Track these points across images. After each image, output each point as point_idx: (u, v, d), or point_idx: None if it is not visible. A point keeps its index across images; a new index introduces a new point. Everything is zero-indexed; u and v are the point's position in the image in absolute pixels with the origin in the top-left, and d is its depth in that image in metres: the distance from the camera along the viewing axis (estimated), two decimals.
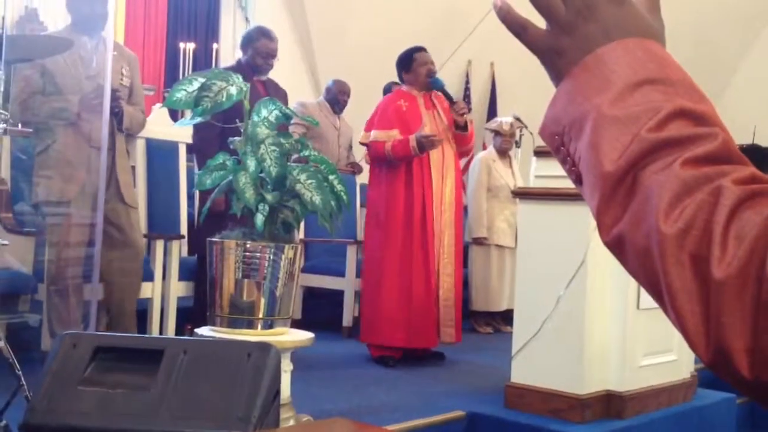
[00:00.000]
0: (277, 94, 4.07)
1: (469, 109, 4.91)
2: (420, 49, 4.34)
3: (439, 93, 4.31)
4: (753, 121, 9.16)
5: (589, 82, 0.60)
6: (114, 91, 3.37)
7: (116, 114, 3.43)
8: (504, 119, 5.85)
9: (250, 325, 2.50)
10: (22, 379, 2.34)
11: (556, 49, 0.64)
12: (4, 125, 2.39)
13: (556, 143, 0.62)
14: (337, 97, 5.82)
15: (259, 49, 4.09)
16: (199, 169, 4.22)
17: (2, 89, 2.36)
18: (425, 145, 4.04)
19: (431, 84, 4.26)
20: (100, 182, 2.84)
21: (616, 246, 0.57)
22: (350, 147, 5.91)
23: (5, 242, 2.45)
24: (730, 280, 0.50)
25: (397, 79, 4.72)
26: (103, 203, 3.27)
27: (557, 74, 0.64)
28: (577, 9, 0.63)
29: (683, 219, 0.52)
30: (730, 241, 0.51)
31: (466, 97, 8.62)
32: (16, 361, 2.37)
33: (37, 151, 3.31)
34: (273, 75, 4.34)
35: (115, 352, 2.08)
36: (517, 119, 6.03)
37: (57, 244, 3.27)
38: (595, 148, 0.57)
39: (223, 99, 2.56)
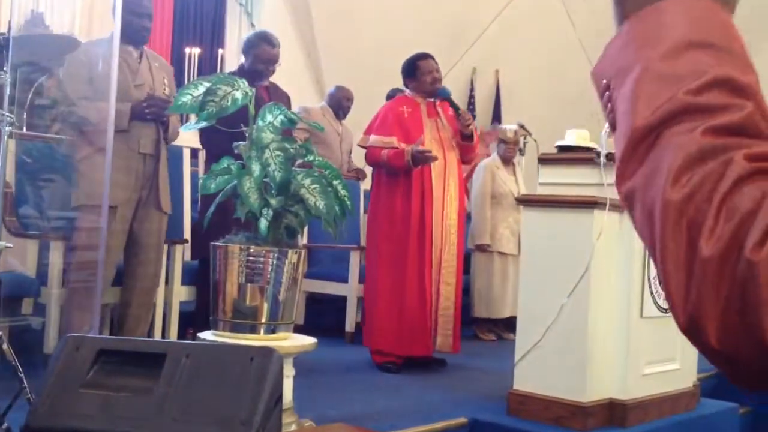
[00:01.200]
0: (280, 97, 4.08)
1: (474, 117, 4.92)
2: (425, 57, 4.33)
3: (445, 101, 4.32)
4: None
5: (645, 33, 0.60)
6: (164, 101, 3.48)
7: (163, 123, 3.52)
8: (508, 127, 5.85)
9: (253, 329, 2.49)
10: (25, 381, 2.34)
11: None
12: (10, 128, 2.39)
13: (602, 87, 0.63)
14: (340, 103, 5.83)
15: (260, 54, 4.10)
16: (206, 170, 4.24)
17: (8, 92, 2.37)
18: (420, 160, 4.04)
19: (438, 94, 4.27)
20: (104, 188, 2.84)
21: (627, 199, 0.59)
22: (350, 153, 5.92)
23: (9, 245, 2.45)
24: (714, 258, 0.51)
25: (400, 86, 4.72)
26: (146, 208, 3.34)
27: (619, 16, 0.64)
28: None
29: (689, 185, 0.53)
30: (723, 213, 0.52)
31: (471, 104, 8.62)
32: (18, 364, 2.37)
33: (80, 157, 3.36)
34: (277, 80, 4.35)
35: (118, 356, 2.08)
36: (522, 127, 6.03)
37: (88, 248, 3.29)
38: (633, 100, 0.58)
39: (228, 103, 2.56)
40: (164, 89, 3.60)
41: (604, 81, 0.63)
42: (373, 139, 4.18)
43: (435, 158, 4.11)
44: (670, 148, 0.55)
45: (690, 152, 0.54)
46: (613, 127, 0.62)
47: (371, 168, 4.39)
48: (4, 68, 2.39)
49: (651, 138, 0.56)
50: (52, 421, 1.94)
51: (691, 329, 0.54)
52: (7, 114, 2.37)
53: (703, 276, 0.52)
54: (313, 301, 5.27)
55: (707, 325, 0.52)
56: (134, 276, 3.53)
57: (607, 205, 3.04)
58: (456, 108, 4.29)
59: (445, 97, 4.28)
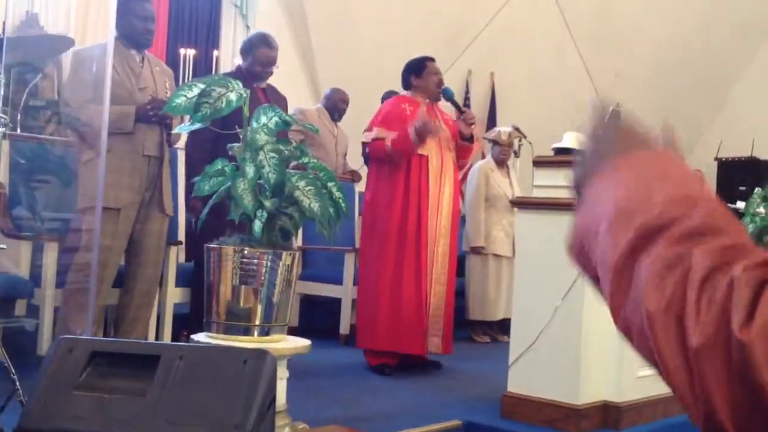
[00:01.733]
0: (277, 100, 4.08)
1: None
2: (431, 59, 4.37)
3: (447, 102, 4.33)
4: (752, 134, 9.19)
5: (606, 187, 0.67)
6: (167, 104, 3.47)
7: (167, 125, 3.54)
8: (503, 129, 5.86)
9: (247, 331, 2.49)
10: (17, 383, 2.33)
11: (584, 167, 0.73)
12: (4, 129, 2.39)
13: (579, 248, 0.69)
14: (336, 105, 5.83)
15: (258, 56, 4.10)
16: (188, 176, 4.24)
17: (2, 92, 2.36)
18: (423, 132, 4.03)
19: (442, 93, 4.29)
20: (98, 189, 2.83)
21: (625, 331, 0.62)
22: (345, 155, 5.92)
23: (2, 246, 2.45)
24: (704, 347, 0.52)
25: (395, 88, 4.73)
26: (149, 210, 3.34)
27: (577, 186, 0.73)
28: (602, 135, 0.73)
29: (665, 294, 0.56)
30: (703, 306, 0.53)
31: (466, 106, 8.62)
32: (11, 366, 2.36)
33: (85, 160, 3.37)
34: (273, 81, 4.35)
35: (111, 357, 2.08)
36: (516, 129, 6.04)
37: (90, 249, 3.28)
38: (607, 242, 0.63)
39: (223, 105, 2.56)
40: (166, 92, 3.61)
41: (582, 242, 0.68)
42: (377, 131, 4.18)
43: (438, 128, 4.12)
44: (643, 269, 0.59)
45: (658, 266, 0.58)
46: (596, 279, 0.66)
47: (368, 167, 4.38)
48: None
49: (628, 269, 0.60)
50: (45, 422, 1.93)
51: (709, 426, 0.54)
52: (0, 115, 2.36)
53: (701, 367, 0.53)
54: (308, 303, 5.27)
55: (722, 418, 0.52)
56: (134, 277, 3.53)
57: None
58: (459, 107, 4.32)
59: (449, 97, 4.30)
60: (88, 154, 3.39)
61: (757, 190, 4.94)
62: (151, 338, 3.82)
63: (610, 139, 0.72)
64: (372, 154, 4.24)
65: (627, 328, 0.61)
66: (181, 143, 4.37)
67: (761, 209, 4.79)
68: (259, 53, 4.11)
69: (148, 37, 3.61)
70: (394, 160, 4.11)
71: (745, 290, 0.52)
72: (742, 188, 8.60)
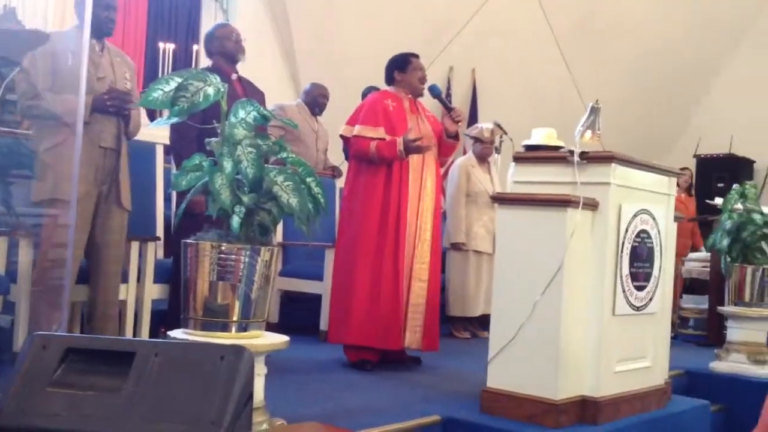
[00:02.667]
0: (255, 95, 4.05)
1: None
2: (415, 55, 4.37)
3: (434, 99, 4.33)
4: (730, 131, 9.27)
5: None
6: (125, 94, 3.46)
7: (125, 117, 3.50)
8: (484, 126, 5.87)
9: (224, 328, 2.47)
10: None
11: None
12: None
13: None
14: (316, 100, 5.81)
15: (222, 35, 4.11)
16: (177, 170, 4.21)
17: None
18: (412, 149, 4.04)
19: (430, 90, 4.28)
20: (72, 184, 2.80)
21: None
22: (326, 150, 5.90)
23: None
24: None
25: (376, 84, 4.71)
26: (107, 204, 3.30)
27: None
28: None
29: None
30: None
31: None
32: None
33: (42, 149, 3.31)
34: (254, 76, 4.33)
35: (86, 354, 2.05)
36: (498, 126, 6.04)
37: (50, 243, 3.25)
38: None
39: (200, 99, 2.53)
40: (126, 84, 3.57)
41: None
42: (360, 128, 4.15)
43: (428, 147, 4.12)
44: None
45: None
46: None
47: (350, 161, 4.36)
48: None
49: None
50: (19, 420, 1.91)
51: None
52: None
53: None
54: (289, 299, 5.25)
55: None
56: (97, 274, 3.49)
57: (581, 204, 3.05)
58: (446, 105, 4.32)
59: (436, 94, 4.29)
60: (47, 144, 3.34)
61: (735, 186, 4.98)
62: (129, 335, 3.79)
63: None
64: (353, 151, 4.22)
65: None
66: (156, 138, 4.34)
67: (738, 205, 4.84)
68: (221, 32, 4.13)
69: (110, 26, 3.55)
70: (374, 163, 4.10)
71: None
72: (720, 185, 8.69)
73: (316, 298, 4.90)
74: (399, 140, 4.05)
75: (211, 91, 2.56)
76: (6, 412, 1.93)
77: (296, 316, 5.17)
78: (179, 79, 2.55)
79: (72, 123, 3.18)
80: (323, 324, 4.81)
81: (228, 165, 2.52)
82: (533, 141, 3.43)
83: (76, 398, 1.97)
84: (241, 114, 2.63)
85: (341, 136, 4.33)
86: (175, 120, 2.58)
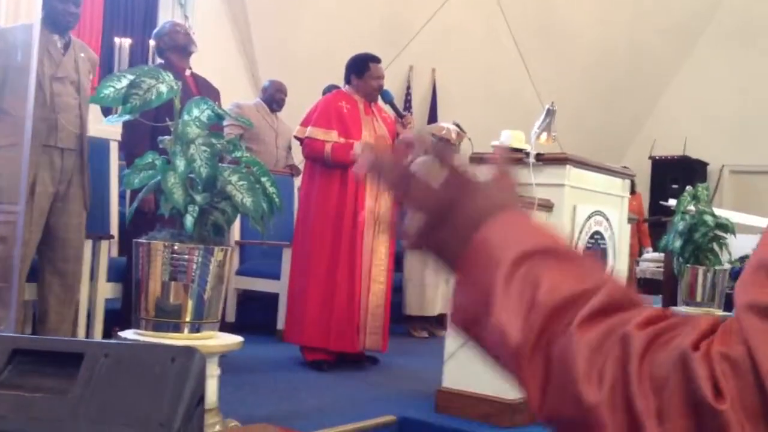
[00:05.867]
0: (209, 92, 4.02)
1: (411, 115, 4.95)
2: (376, 59, 4.32)
3: (388, 104, 4.34)
4: (684, 133, 9.44)
5: (478, 267, 0.60)
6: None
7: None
8: (450, 126, 5.89)
9: (177, 328, 2.44)
10: None
11: (439, 243, 0.65)
12: None
13: (465, 327, 0.63)
14: (273, 96, 5.78)
15: (171, 29, 4.09)
16: (128, 168, 4.15)
17: None
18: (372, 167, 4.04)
19: (382, 96, 4.28)
20: (21, 181, 2.75)
21: (549, 420, 0.56)
22: (289, 148, 5.87)
23: None
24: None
25: (336, 82, 4.70)
26: (64, 204, 3.23)
27: (448, 265, 0.65)
28: (443, 201, 0.64)
29: (605, 382, 0.51)
30: (649, 392, 0.49)
31: (408, 102, 8.66)
32: None
33: None
34: (212, 74, 4.29)
35: (34, 355, 2.00)
36: (457, 126, 6.08)
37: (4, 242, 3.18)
38: (499, 326, 0.57)
39: (153, 97, 2.51)
40: (88, 82, 3.52)
41: (467, 325, 0.62)
42: (312, 130, 4.14)
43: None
44: (563, 355, 0.53)
45: (582, 351, 0.52)
46: (495, 360, 0.61)
47: (305, 161, 4.35)
48: None
49: (540, 354, 0.55)
50: None
51: None
52: None
53: None
54: (246, 298, 5.21)
55: None
56: (54, 272, 3.43)
57: (536, 205, 3.08)
58: (398, 111, 4.32)
59: (388, 100, 4.30)
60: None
61: (688, 188, 5.08)
62: (82, 335, 3.73)
63: (479, 202, 0.64)
64: (306, 152, 4.21)
65: (552, 417, 0.55)
66: (110, 134, 4.27)
67: (691, 207, 4.92)
68: (169, 28, 4.11)
69: (70, 20, 3.47)
70: (329, 166, 4.09)
71: (703, 367, 0.48)
72: (675, 186, 8.84)
73: (274, 297, 4.87)
74: (357, 144, 4.04)
75: (164, 88, 2.53)
76: None
77: (253, 315, 5.14)
78: (131, 77, 2.52)
79: (22, 124, 3.11)
80: (280, 323, 4.78)
81: (181, 164, 2.50)
82: (502, 141, 3.45)
83: (23, 400, 1.93)
84: (195, 112, 2.61)
85: (295, 136, 4.31)
86: (127, 117, 2.54)
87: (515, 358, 0.57)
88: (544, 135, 3.32)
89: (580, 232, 3.22)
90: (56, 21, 3.38)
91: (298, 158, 5.98)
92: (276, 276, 4.86)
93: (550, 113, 3.33)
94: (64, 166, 3.41)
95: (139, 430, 1.89)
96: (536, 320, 0.55)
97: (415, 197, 0.65)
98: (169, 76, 2.55)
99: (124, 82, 2.49)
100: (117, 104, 2.51)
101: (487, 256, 0.60)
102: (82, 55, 3.55)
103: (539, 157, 3.17)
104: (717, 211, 4.94)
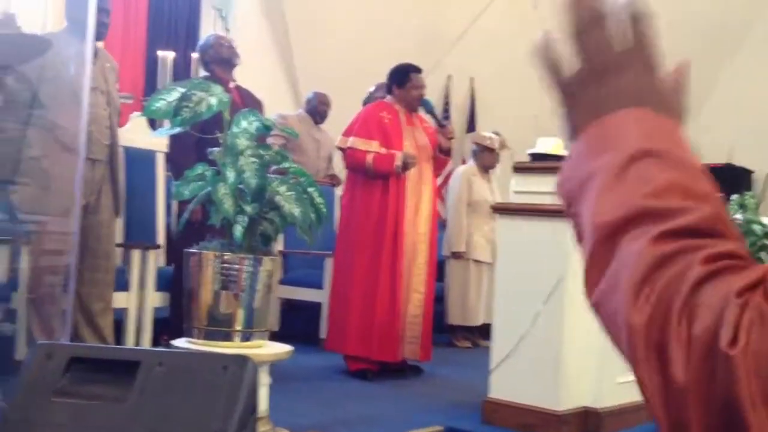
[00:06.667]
0: (253, 104, 4.06)
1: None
2: (417, 69, 4.34)
3: (429, 113, 4.35)
4: (728, 142, 9.29)
5: (598, 145, 0.60)
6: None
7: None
8: (493, 135, 5.89)
9: (228, 337, 2.47)
10: None
11: (578, 98, 0.64)
12: None
13: (567, 199, 0.63)
14: (317, 108, 5.82)
15: (215, 42, 4.13)
16: (175, 180, 4.21)
17: None
18: (409, 165, 4.06)
19: (422, 105, 4.30)
20: (75, 191, 2.80)
21: (594, 307, 0.57)
22: (330, 159, 5.90)
23: None
24: (691, 384, 0.49)
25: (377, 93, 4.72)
26: (95, 214, 3.27)
27: (570, 129, 0.65)
28: (611, 63, 0.62)
29: (650, 304, 0.51)
30: (684, 327, 0.49)
31: (446, 112, 8.65)
32: None
33: (29, 156, 3.28)
34: (252, 85, 4.34)
35: (90, 363, 2.05)
36: (497, 135, 6.08)
37: (37, 252, 3.23)
38: (593, 207, 0.58)
39: (203, 109, 2.54)
40: (116, 92, 3.56)
41: (569, 195, 0.62)
42: (354, 141, 4.17)
43: (416, 164, 4.15)
44: (628, 255, 0.54)
45: (647, 263, 0.52)
46: (579, 239, 0.61)
47: (347, 171, 4.38)
48: None
49: (610, 243, 0.55)
50: (24, 428, 1.90)
51: None
52: None
53: (684, 406, 0.49)
54: (289, 307, 5.25)
55: None
56: (82, 282, 3.43)
57: None
58: (439, 121, 4.34)
59: (429, 109, 4.31)
60: (35, 152, 3.29)
61: (734, 197, 4.99)
62: (131, 344, 3.79)
63: (637, 84, 0.62)
64: (349, 162, 4.24)
65: (597, 306, 0.56)
66: (158, 146, 4.34)
67: (738, 216, 4.84)
68: (214, 41, 4.16)
69: (102, 30, 3.52)
70: (370, 176, 4.11)
71: (734, 313, 0.47)
72: (719, 195, 8.69)
73: (316, 306, 4.90)
74: (399, 155, 4.06)
75: (214, 101, 2.57)
76: (11, 422, 1.93)
77: (297, 324, 5.17)
78: (182, 90, 2.56)
79: (71, 137, 3.16)
80: (323, 332, 4.81)
81: (231, 175, 2.53)
82: (539, 149, 3.44)
83: (81, 408, 1.97)
84: (244, 124, 2.64)
85: (338, 146, 4.35)
86: (177, 130, 2.59)
87: (591, 234, 0.57)
88: None
89: None
90: (84, 31, 3.39)
91: (340, 168, 6.02)
92: (318, 285, 4.89)
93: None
94: (94, 176, 3.45)
95: None
96: (626, 214, 0.55)
97: (590, 45, 0.63)
98: (218, 89, 2.59)
99: (175, 95, 2.53)
100: (168, 117, 2.55)
101: (610, 139, 0.60)
102: (108, 64, 3.59)
103: None
104: (765, 220, 4.85)
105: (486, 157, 5.66)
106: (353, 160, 4.16)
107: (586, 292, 0.58)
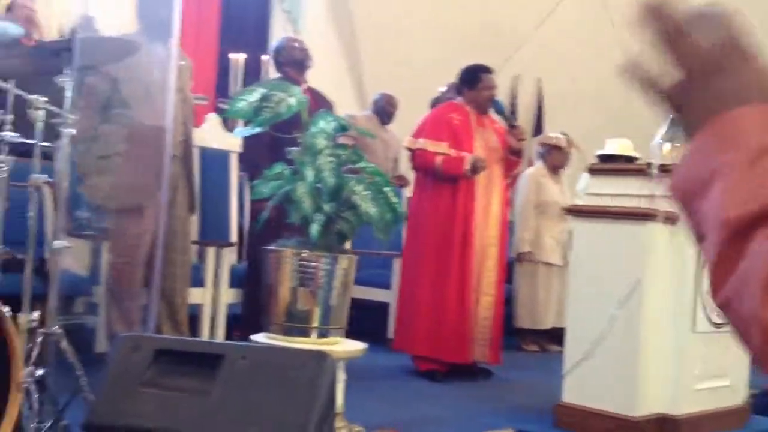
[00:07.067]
0: (325, 105, 4.10)
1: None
2: (488, 70, 4.32)
3: (500, 114, 4.33)
4: None
5: (722, 141, 0.59)
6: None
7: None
8: (559, 135, 5.83)
9: (305, 333, 2.51)
10: (82, 379, 2.37)
11: (685, 104, 0.63)
12: (70, 130, 2.43)
13: (684, 199, 0.62)
14: (384, 109, 5.85)
15: (289, 45, 4.18)
16: (249, 179, 4.28)
17: (71, 94, 2.41)
18: (479, 169, 4.04)
19: (493, 105, 4.27)
20: (163, 189, 2.88)
21: (722, 308, 0.56)
22: (397, 159, 5.93)
23: (69, 245, 2.50)
24: None
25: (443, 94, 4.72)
26: (171, 210, 3.33)
27: (687, 129, 0.64)
28: (710, 65, 0.62)
29: None
30: None
31: (513, 113, 8.59)
32: (77, 362, 2.41)
33: (102, 155, 3.34)
34: (319, 88, 4.38)
35: (175, 356, 2.10)
36: (566, 136, 6.02)
37: (116, 247, 3.32)
38: (721, 205, 0.57)
39: (283, 109, 2.59)
40: (189, 89, 3.61)
41: (686, 194, 0.61)
42: (423, 142, 4.17)
43: (485, 167, 4.12)
44: (759, 255, 0.52)
45: None
46: (699, 239, 0.60)
47: (416, 173, 4.38)
48: (65, 71, 2.42)
49: (740, 238, 0.54)
50: (113, 418, 1.97)
51: None
52: (68, 116, 2.41)
53: None
54: (355, 306, 5.28)
55: None
56: (166, 279, 3.48)
57: (660, 218, 3.00)
58: (510, 122, 4.31)
59: (500, 110, 4.29)
60: (105, 151, 3.32)
61: None
62: (205, 338, 3.86)
63: (752, 77, 0.61)
64: (417, 163, 4.24)
65: (725, 307, 0.55)
66: (231, 146, 4.41)
67: None
68: (287, 43, 4.20)
69: (171, 27, 3.52)
70: (438, 178, 4.11)
71: None
72: None
73: (381, 306, 4.92)
74: (469, 158, 4.04)
75: (293, 101, 2.61)
76: (100, 411, 1.99)
77: (362, 323, 5.19)
78: (263, 90, 2.61)
79: (150, 134, 3.22)
80: (390, 332, 4.83)
81: (310, 174, 2.56)
82: (608, 150, 3.39)
83: (167, 399, 2.02)
84: (322, 124, 2.68)
85: (407, 147, 4.36)
86: (258, 130, 2.64)
87: (718, 230, 0.56)
88: (668, 145, 3.23)
89: None
90: (157, 30, 3.42)
91: (406, 168, 6.04)
92: (386, 285, 4.91)
93: (674, 123, 3.24)
94: (172, 172, 3.50)
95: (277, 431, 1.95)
96: (761, 208, 0.54)
97: (683, 52, 0.63)
98: (297, 89, 2.64)
99: (256, 95, 2.58)
100: (249, 117, 2.61)
101: (734, 134, 0.59)
102: (182, 62, 3.62)
103: (663, 168, 3.09)
104: None
105: (555, 156, 5.60)
106: (422, 161, 4.16)
107: (712, 291, 0.57)
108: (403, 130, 5.67)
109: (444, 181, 4.13)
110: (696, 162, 0.61)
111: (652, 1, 0.63)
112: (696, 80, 0.62)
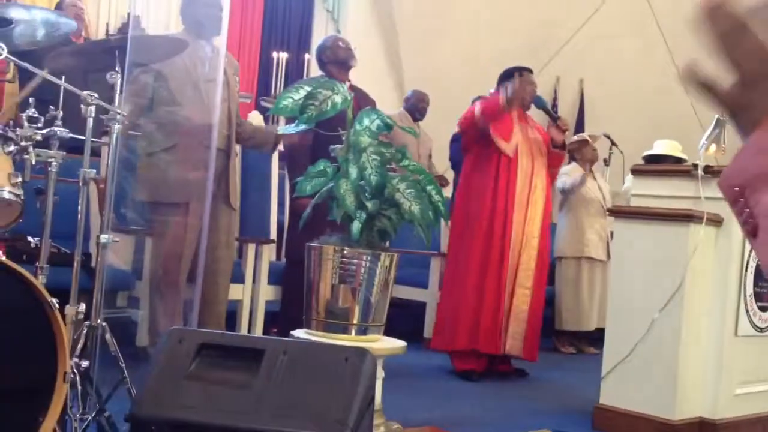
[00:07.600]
0: (368, 104, 4.12)
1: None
2: (526, 69, 4.32)
3: (540, 110, 4.32)
4: None
5: None
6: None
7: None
8: (581, 134, 5.85)
9: (345, 330, 2.53)
10: (125, 371, 2.42)
11: (743, 104, 0.64)
12: (120, 126, 2.49)
13: (735, 194, 0.62)
14: (416, 106, 5.86)
15: (333, 44, 4.20)
16: (290, 176, 4.31)
17: (120, 91, 2.46)
18: (513, 101, 4.02)
19: (534, 102, 4.27)
20: (207, 185, 2.92)
21: None
22: (430, 156, 5.93)
23: (115, 239, 2.55)
24: None
25: (482, 93, 4.71)
26: (216, 204, 3.37)
27: (744, 128, 0.64)
28: (758, 72, 0.62)
29: None
30: None
31: (555, 109, 8.54)
32: (120, 354, 2.46)
33: (149, 152, 3.39)
34: (362, 86, 4.40)
35: (219, 350, 2.14)
36: (607, 137, 5.97)
37: (160, 243, 3.37)
38: None
39: (328, 107, 2.61)
40: (236, 85, 3.63)
41: (737, 188, 0.62)
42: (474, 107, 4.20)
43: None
44: None
45: None
46: (752, 234, 0.60)
47: (453, 169, 4.36)
48: (116, 68, 2.48)
49: None
50: (157, 411, 2.00)
51: None
52: (119, 112, 2.46)
53: None
54: (392, 305, 5.29)
55: None
56: (207, 274, 3.52)
57: (705, 220, 2.97)
58: (552, 114, 4.30)
59: (541, 105, 4.28)
60: (153, 147, 3.37)
61: None
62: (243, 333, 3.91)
63: None
64: (461, 123, 4.23)
65: None
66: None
67: None
68: (332, 42, 4.23)
69: (217, 24, 3.52)
70: (479, 128, 4.08)
71: None
72: None
73: (418, 305, 4.93)
74: (502, 93, 4.03)
75: (338, 99, 2.63)
76: (145, 403, 2.03)
77: (398, 322, 5.21)
78: (308, 88, 2.63)
79: (197, 129, 3.26)
80: (427, 331, 4.84)
81: (353, 171, 2.58)
82: (656, 151, 3.36)
83: (210, 392, 2.06)
84: (366, 122, 2.69)
85: (454, 136, 4.35)
86: (304, 127, 2.66)
87: None
88: (713, 146, 3.20)
89: (752, 249, 3.08)
90: (208, 27, 3.45)
91: (439, 166, 6.04)
92: (424, 285, 4.92)
93: (719, 124, 3.20)
94: (216, 167, 3.52)
95: (317, 426, 1.97)
96: None
97: (742, 54, 0.63)
98: (343, 88, 2.65)
99: (302, 93, 2.60)
100: (294, 114, 2.63)
101: None
102: (225, 59, 3.64)
103: (708, 169, 3.06)
104: None
105: (585, 152, 5.54)
106: (465, 119, 4.18)
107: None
108: (441, 127, 5.68)
109: (487, 180, 4.10)
110: (753, 155, 0.62)
111: (711, 1, 0.63)
112: (756, 81, 0.62)
